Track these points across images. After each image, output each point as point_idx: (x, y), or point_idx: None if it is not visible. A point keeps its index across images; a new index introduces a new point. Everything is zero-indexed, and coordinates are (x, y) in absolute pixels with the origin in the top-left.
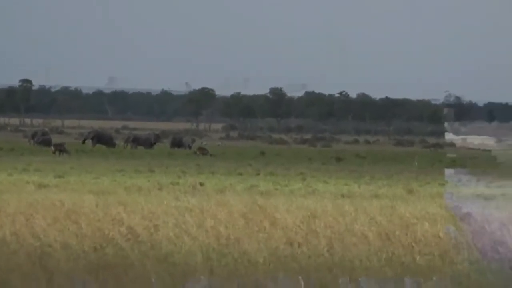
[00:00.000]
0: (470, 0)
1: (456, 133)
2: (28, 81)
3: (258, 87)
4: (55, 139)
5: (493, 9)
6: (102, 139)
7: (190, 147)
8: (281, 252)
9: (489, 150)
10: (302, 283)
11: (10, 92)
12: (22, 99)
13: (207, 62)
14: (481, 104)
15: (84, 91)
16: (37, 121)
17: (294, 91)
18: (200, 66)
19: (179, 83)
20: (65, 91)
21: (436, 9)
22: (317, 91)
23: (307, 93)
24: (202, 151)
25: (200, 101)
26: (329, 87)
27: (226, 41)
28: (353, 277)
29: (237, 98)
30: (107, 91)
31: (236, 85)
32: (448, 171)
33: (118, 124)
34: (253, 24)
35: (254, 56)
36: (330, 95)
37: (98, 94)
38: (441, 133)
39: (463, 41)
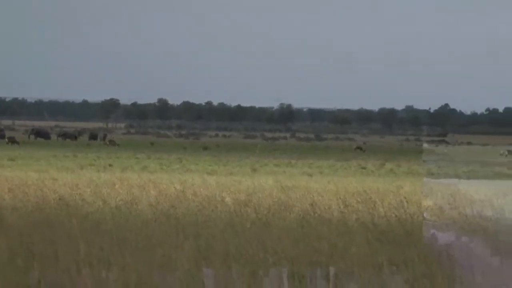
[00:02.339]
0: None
1: (288, 130)
2: None
3: (149, 97)
4: (8, 134)
5: (312, 32)
6: (41, 134)
7: (102, 140)
8: (166, 212)
9: (311, 141)
10: (180, 235)
11: None
12: None
13: (116, 78)
14: (305, 109)
15: (29, 100)
16: None
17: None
18: (113, 80)
19: (95, 94)
20: (15, 100)
21: (279, 37)
22: (191, 101)
23: (184, 102)
24: (111, 142)
25: (109, 108)
26: (198, 97)
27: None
28: (217, 229)
29: (135, 105)
30: (45, 100)
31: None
32: (282, 156)
33: (52, 124)
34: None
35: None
36: (199, 103)
37: (39, 102)
38: (276, 130)
39: (291, 61)
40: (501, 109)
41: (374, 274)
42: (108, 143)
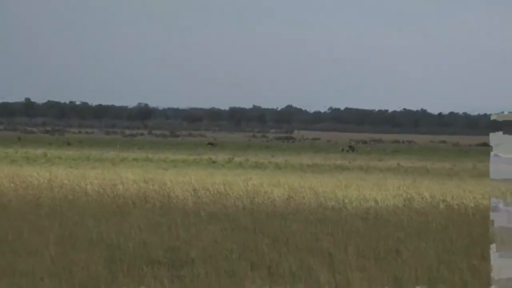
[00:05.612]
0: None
1: (145, 127)
2: None
3: (16, 97)
4: None
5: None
6: None
7: None
8: (33, 202)
9: (167, 137)
10: (46, 223)
11: None
12: None
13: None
14: (161, 108)
15: None
16: None
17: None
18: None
19: None
20: None
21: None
22: (55, 100)
23: (48, 101)
24: None
25: None
26: (62, 97)
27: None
28: (80, 217)
29: (3, 104)
30: None
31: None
32: (139, 151)
33: None
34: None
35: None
36: (64, 102)
37: None
38: (135, 127)
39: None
40: (342, 108)
41: (225, 259)
42: None
